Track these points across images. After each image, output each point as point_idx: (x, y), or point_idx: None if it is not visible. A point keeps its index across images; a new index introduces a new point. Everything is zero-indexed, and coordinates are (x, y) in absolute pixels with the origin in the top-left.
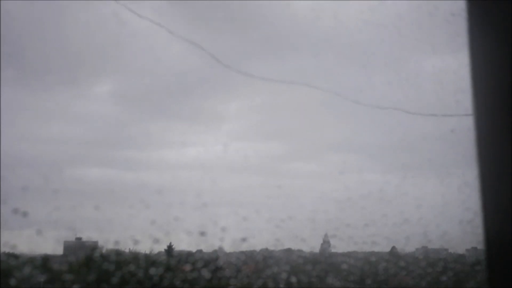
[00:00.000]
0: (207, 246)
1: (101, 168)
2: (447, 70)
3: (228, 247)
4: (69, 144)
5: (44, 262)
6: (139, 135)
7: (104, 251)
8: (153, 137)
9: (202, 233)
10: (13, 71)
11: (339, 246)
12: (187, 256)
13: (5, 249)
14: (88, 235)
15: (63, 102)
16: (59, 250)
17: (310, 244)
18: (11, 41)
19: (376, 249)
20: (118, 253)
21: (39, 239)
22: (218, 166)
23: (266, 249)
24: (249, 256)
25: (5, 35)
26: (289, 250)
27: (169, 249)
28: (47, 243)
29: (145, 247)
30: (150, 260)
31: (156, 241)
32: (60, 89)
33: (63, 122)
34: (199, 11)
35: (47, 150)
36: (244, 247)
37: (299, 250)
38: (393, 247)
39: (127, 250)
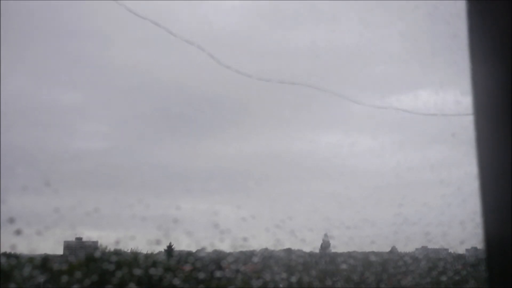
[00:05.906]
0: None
1: None
2: (447, 70)
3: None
4: None
5: (44, 262)
6: None
7: (106, 250)
8: None
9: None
10: None
11: (339, 246)
12: (187, 256)
13: (5, 249)
14: (88, 235)
15: None
16: (59, 250)
17: (310, 244)
18: None
19: (376, 249)
20: (118, 253)
21: (39, 239)
22: None
23: (266, 249)
24: (249, 256)
25: None
26: (289, 250)
27: (169, 249)
28: (47, 243)
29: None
30: (150, 260)
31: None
32: None
33: None
34: (199, 11)
35: None
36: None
37: (299, 250)
38: (393, 247)
39: (128, 250)
